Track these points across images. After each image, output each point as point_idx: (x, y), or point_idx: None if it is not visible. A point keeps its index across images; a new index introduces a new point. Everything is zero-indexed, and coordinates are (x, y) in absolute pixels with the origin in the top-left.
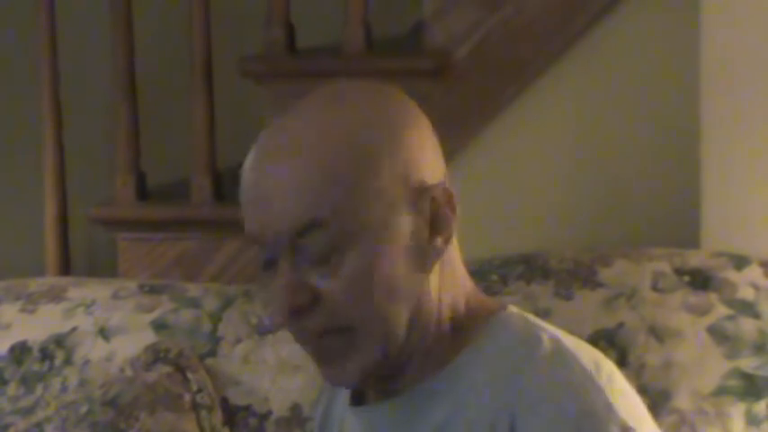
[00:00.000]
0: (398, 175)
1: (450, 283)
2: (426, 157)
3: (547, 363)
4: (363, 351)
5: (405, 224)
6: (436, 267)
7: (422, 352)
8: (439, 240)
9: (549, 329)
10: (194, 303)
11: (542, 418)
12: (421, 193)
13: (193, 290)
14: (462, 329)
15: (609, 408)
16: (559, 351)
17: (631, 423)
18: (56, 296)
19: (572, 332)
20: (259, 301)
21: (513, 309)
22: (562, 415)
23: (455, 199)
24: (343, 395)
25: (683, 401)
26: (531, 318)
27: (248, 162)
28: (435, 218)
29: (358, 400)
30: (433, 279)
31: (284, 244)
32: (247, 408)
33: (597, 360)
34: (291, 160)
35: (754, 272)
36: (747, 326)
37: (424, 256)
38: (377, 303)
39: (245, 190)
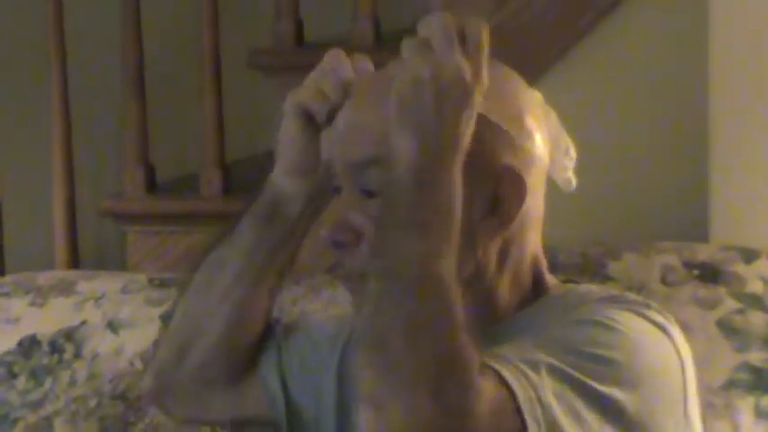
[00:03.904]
0: (468, 146)
1: (515, 262)
2: (507, 136)
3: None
4: None
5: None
6: (496, 244)
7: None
8: (493, 221)
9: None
10: None
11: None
12: (486, 170)
13: None
14: (525, 302)
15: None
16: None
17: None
18: (65, 290)
19: None
20: None
21: (584, 285)
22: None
23: (525, 186)
24: None
25: None
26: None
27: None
28: (496, 199)
29: None
30: (489, 255)
31: (347, 177)
32: None
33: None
34: (370, 105)
35: (763, 265)
36: (756, 319)
37: (472, 233)
38: None
39: (333, 127)
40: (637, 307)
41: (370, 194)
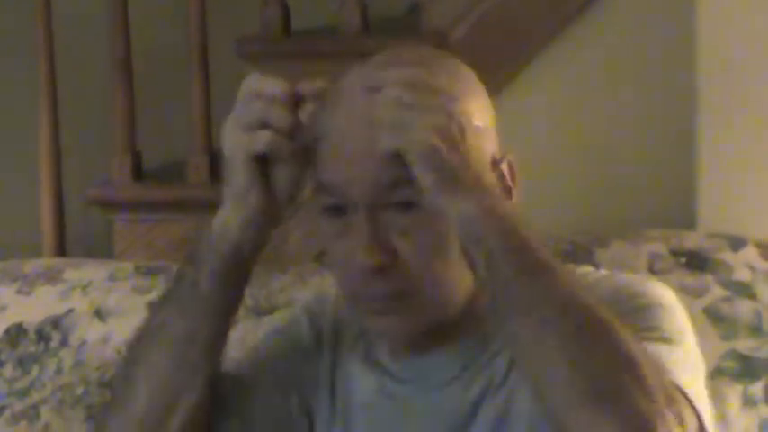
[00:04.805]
0: (482, 144)
1: None
2: (493, 129)
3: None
4: (421, 314)
5: None
6: None
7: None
8: None
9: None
10: None
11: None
12: (494, 165)
13: None
14: None
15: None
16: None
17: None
18: (52, 278)
19: None
20: (257, 281)
21: None
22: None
23: (515, 169)
24: (358, 354)
25: None
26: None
27: (342, 121)
28: (502, 191)
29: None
30: None
31: (370, 196)
32: None
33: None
34: (365, 122)
35: (750, 253)
36: (743, 307)
37: None
38: (446, 268)
39: (339, 145)
40: (643, 275)
41: (407, 206)
